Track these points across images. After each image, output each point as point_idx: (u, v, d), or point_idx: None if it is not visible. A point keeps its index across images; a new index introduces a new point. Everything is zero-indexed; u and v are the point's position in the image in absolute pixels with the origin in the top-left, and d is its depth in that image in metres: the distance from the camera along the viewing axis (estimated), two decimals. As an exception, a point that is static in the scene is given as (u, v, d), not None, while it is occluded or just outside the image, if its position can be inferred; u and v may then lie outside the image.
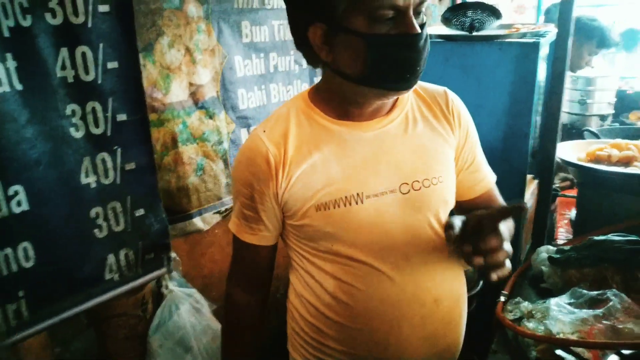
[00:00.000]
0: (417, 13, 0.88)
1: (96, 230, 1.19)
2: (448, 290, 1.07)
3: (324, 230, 0.99)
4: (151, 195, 1.27)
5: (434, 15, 3.05)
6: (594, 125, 2.80)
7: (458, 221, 0.88)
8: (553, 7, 3.63)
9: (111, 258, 1.22)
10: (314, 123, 1.00)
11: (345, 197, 0.97)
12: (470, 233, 0.87)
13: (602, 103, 2.77)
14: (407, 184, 1.00)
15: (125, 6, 1.12)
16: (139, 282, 1.29)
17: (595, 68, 2.92)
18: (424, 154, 1.02)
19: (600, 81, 2.75)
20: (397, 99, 1.04)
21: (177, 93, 1.49)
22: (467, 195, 1.14)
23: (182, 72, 1.49)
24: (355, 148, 0.99)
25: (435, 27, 2.09)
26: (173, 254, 1.46)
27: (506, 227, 0.89)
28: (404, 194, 1.00)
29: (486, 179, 1.15)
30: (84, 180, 1.14)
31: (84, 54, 1.08)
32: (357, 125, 1.00)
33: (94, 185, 1.16)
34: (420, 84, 1.09)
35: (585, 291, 1.33)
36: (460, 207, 1.13)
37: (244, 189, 1.02)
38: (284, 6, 1.86)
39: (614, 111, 2.89)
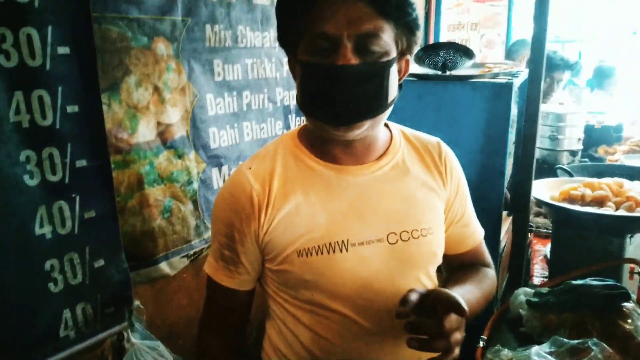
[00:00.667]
0: (366, 49, 0.85)
1: (51, 284, 1.10)
2: None
3: (304, 278, 0.94)
4: (112, 244, 1.19)
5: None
6: (564, 160, 2.85)
7: (414, 296, 0.82)
8: (515, 43, 3.75)
9: (67, 313, 1.13)
10: (300, 163, 0.97)
11: (329, 243, 0.93)
12: (424, 312, 0.83)
13: (572, 139, 2.83)
14: (395, 234, 0.96)
15: (87, 48, 1.07)
16: (98, 339, 1.19)
17: (564, 104, 2.99)
18: (413, 204, 0.99)
19: (570, 117, 2.81)
20: (389, 146, 1.01)
21: (144, 133, 1.43)
22: (456, 249, 1.10)
23: (149, 111, 1.44)
24: (342, 193, 0.95)
25: (409, 66, 2.11)
26: (136, 302, 1.37)
27: (456, 318, 0.83)
28: (391, 244, 0.96)
29: (475, 234, 1.13)
30: (38, 230, 1.06)
31: (40, 98, 1.01)
32: (345, 170, 0.96)
33: (49, 235, 1.08)
34: (413, 133, 1.08)
35: (566, 340, 1.30)
36: (447, 262, 1.10)
37: (224, 228, 0.97)
38: (257, 44, 1.85)
39: (582, 147, 2.95)
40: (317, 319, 0.97)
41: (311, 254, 0.93)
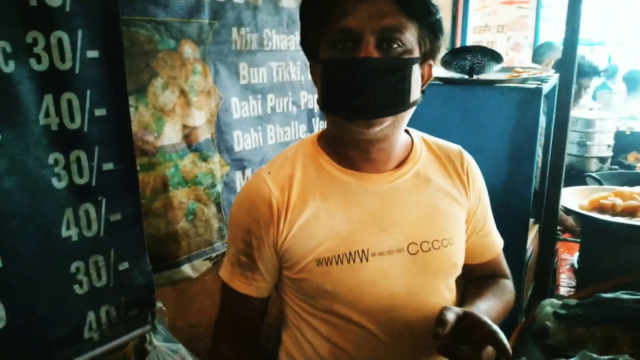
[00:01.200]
0: (389, 45, 0.83)
1: (76, 286, 1.11)
2: None
3: (324, 287, 0.92)
4: (137, 247, 1.19)
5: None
6: (593, 167, 2.77)
7: (451, 316, 0.80)
8: (543, 45, 3.68)
9: (91, 315, 1.14)
10: (320, 169, 0.95)
11: (350, 252, 0.91)
12: (461, 332, 0.81)
13: (602, 145, 2.75)
14: (416, 244, 0.94)
15: (116, 52, 1.07)
16: (121, 341, 1.20)
17: (594, 109, 2.92)
18: (434, 214, 0.96)
19: (599, 123, 2.73)
20: (409, 153, 0.99)
21: (169, 136, 1.43)
22: (475, 259, 1.08)
23: (176, 114, 1.44)
24: (363, 201, 0.93)
25: (434, 70, 2.08)
26: (159, 304, 1.38)
27: (492, 351, 0.81)
28: (412, 254, 0.94)
29: (495, 245, 1.10)
30: (64, 233, 1.07)
31: (69, 101, 1.02)
32: (366, 177, 0.94)
33: (75, 238, 1.08)
34: (434, 141, 1.05)
35: (595, 355, 1.26)
36: (465, 272, 1.07)
37: (241, 234, 0.95)
38: (283, 48, 1.84)
39: (612, 153, 2.86)
40: (336, 331, 0.95)
41: (331, 263, 0.91)
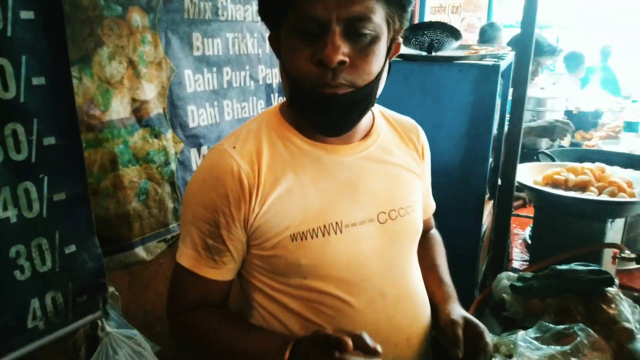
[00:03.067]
0: (356, 32, 0.80)
1: (17, 272, 1.01)
2: (419, 328, 1.02)
3: (298, 262, 0.90)
4: (84, 228, 1.11)
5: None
6: (544, 145, 2.85)
7: (459, 332, 0.93)
8: (487, 27, 3.75)
9: (35, 303, 1.05)
10: (288, 142, 0.92)
11: (324, 226, 0.90)
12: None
13: (552, 124, 2.82)
14: (385, 213, 0.96)
15: (54, 13, 0.97)
16: (69, 329, 1.12)
17: (545, 89, 2.99)
18: (397, 183, 1.00)
19: (550, 102, 2.81)
20: (372, 125, 1.00)
21: (117, 110, 1.34)
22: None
23: (124, 86, 1.34)
24: (334, 173, 0.93)
25: (395, 45, 2.05)
26: (111, 289, 1.30)
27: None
28: (381, 223, 0.96)
29: (431, 203, 1.23)
30: (1, 214, 0.97)
31: (2, 68, 0.91)
32: (334, 149, 0.94)
33: (14, 219, 0.99)
34: (390, 114, 1.09)
35: (551, 325, 1.29)
36: None
37: (206, 214, 0.89)
38: (239, 18, 1.76)
39: (562, 132, 2.95)
40: (308, 305, 0.93)
41: (306, 238, 0.89)
